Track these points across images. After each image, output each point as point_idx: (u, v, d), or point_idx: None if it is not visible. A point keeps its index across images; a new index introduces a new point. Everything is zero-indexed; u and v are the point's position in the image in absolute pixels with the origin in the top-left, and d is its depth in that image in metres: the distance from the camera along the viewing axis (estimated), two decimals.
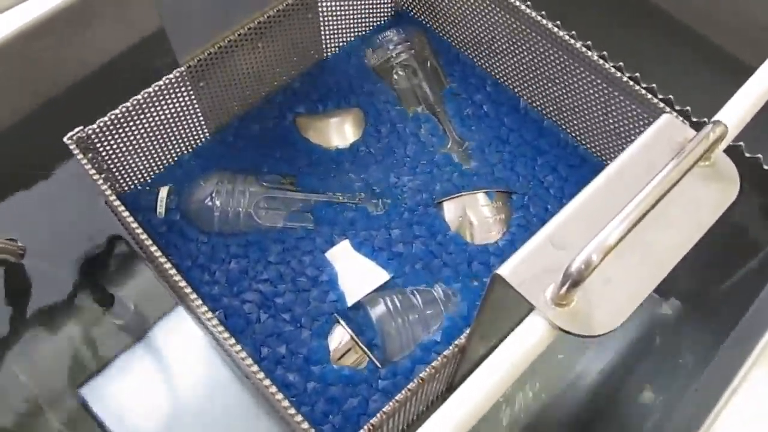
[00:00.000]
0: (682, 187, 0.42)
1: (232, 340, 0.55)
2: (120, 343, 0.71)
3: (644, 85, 0.67)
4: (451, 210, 0.75)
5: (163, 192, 0.73)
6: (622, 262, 0.41)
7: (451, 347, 0.54)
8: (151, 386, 0.69)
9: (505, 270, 0.41)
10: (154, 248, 0.60)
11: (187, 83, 0.71)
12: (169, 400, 0.69)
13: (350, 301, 0.69)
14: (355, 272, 0.71)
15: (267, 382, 0.53)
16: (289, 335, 0.68)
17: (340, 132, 0.80)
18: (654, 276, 0.42)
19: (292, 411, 0.52)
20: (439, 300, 0.68)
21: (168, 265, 0.59)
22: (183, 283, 0.58)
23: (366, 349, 0.65)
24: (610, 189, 0.44)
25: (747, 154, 0.74)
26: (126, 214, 0.62)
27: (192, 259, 0.72)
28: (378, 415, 0.52)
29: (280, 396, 0.53)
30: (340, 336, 0.67)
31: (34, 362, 0.70)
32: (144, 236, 0.61)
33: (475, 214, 0.74)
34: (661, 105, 0.66)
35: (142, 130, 0.71)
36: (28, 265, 0.75)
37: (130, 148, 0.71)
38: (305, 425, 0.52)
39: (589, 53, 0.69)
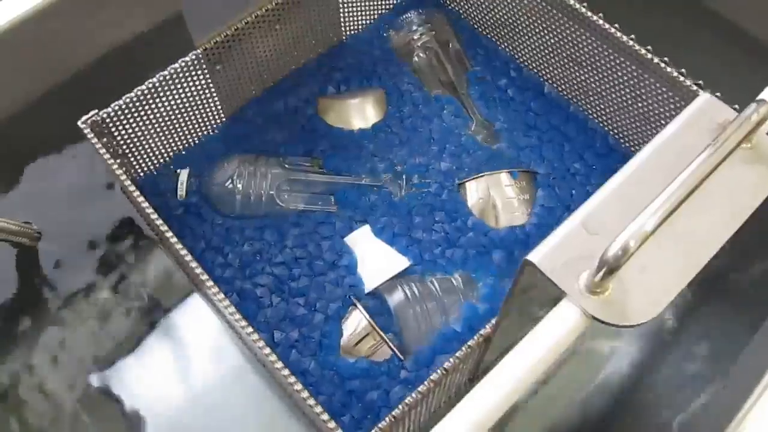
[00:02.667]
0: (723, 171, 0.40)
1: (249, 329, 0.54)
2: (137, 328, 0.71)
3: (673, 68, 0.65)
4: (473, 191, 0.73)
5: (184, 175, 0.72)
6: (659, 249, 0.39)
7: (475, 337, 0.53)
8: (169, 370, 0.69)
9: (536, 256, 0.39)
10: (169, 234, 0.59)
11: (204, 66, 0.70)
12: (186, 384, 0.68)
13: (368, 287, 0.68)
14: (375, 258, 0.70)
15: (286, 371, 0.52)
16: (302, 319, 0.67)
17: (361, 113, 0.78)
18: (693, 264, 0.40)
19: (312, 402, 0.50)
20: (458, 288, 0.67)
21: (184, 252, 0.58)
22: (199, 270, 0.57)
23: (385, 337, 0.63)
24: (646, 171, 0.42)
25: None
26: (141, 199, 0.61)
27: (207, 242, 0.70)
28: (400, 406, 0.50)
29: (299, 386, 0.51)
30: (356, 321, 0.66)
31: (51, 346, 0.69)
32: (159, 221, 0.60)
33: (498, 195, 0.72)
34: (694, 88, 0.64)
35: (158, 114, 0.70)
36: (44, 248, 0.74)
37: (146, 132, 0.70)
38: (325, 416, 0.50)
39: (619, 34, 0.67)
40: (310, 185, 0.73)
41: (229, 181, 0.70)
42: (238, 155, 0.73)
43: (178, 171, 0.73)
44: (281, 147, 0.76)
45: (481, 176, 0.72)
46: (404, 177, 0.74)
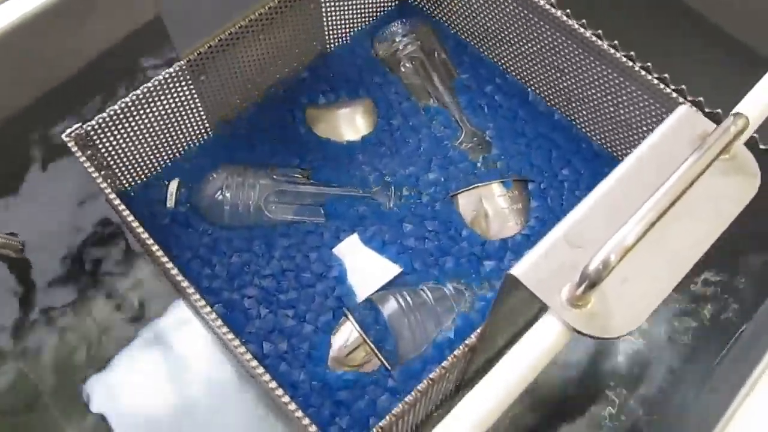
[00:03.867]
0: (702, 182, 0.40)
1: (236, 341, 0.54)
2: (123, 339, 0.71)
3: (656, 75, 0.66)
4: (465, 203, 0.73)
5: (173, 185, 0.72)
6: (640, 261, 0.40)
7: (461, 347, 0.53)
8: (155, 382, 0.69)
9: (518, 270, 0.40)
10: (155, 248, 0.59)
11: (188, 77, 0.70)
12: (172, 396, 0.68)
13: (360, 297, 0.68)
14: (365, 267, 0.70)
15: (273, 384, 0.52)
16: (291, 330, 0.67)
17: (350, 124, 0.78)
18: (673, 275, 0.40)
19: (300, 414, 0.51)
20: (450, 297, 0.67)
21: (169, 265, 0.58)
22: (186, 283, 0.57)
23: (375, 349, 0.63)
24: (626, 184, 0.43)
25: (762, 146, 0.72)
26: (126, 213, 0.60)
27: (194, 253, 0.70)
28: (387, 417, 0.51)
29: (286, 398, 0.51)
30: (347, 333, 0.66)
31: (37, 357, 0.69)
32: (145, 235, 0.59)
33: (491, 206, 0.72)
34: (675, 95, 0.64)
35: (142, 126, 0.70)
36: (30, 259, 0.74)
37: (130, 144, 0.70)
38: (313, 428, 0.50)
39: (600, 42, 0.67)
40: (298, 196, 0.73)
41: (218, 192, 0.70)
42: (226, 166, 0.73)
43: (167, 182, 0.73)
44: (269, 158, 0.76)
45: (474, 188, 0.72)
46: (392, 188, 0.74)
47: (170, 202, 0.72)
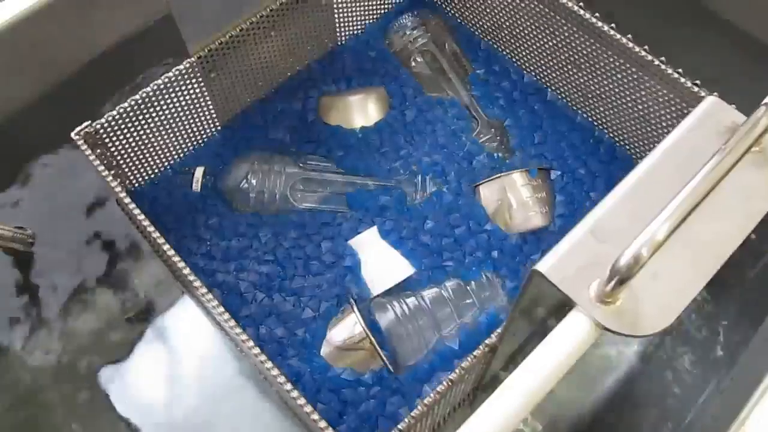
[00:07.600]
0: (732, 175, 0.39)
1: (247, 339, 0.53)
2: (131, 333, 0.70)
3: (673, 69, 0.65)
4: (487, 194, 0.71)
5: (199, 172, 0.72)
6: (670, 256, 0.38)
7: (481, 347, 0.52)
8: (163, 376, 0.68)
9: (544, 266, 0.39)
10: (166, 246, 0.58)
11: (198, 74, 0.69)
12: (181, 389, 0.68)
13: (373, 292, 0.66)
14: (379, 263, 0.68)
15: (280, 378, 0.51)
16: (288, 315, 0.66)
17: (362, 111, 0.77)
18: (704, 271, 0.39)
19: (309, 409, 0.50)
20: (448, 300, 0.65)
21: (181, 264, 0.57)
22: (198, 283, 0.56)
23: (378, 348, 0.61)
24: (654, 177, 0.42)
25: None
26: (137, 211, 0.60)
27: (198, 239, 0.70)
28: (406, 419, 0.49)
29: (297, 397, 0.50)
30: (350, 326, 0.63)
31: (45, 350, 0.69)
32: (156, 234, 0.59)
33: (514, 196, 0.70)
34: (695, 89, 0.63)
35: (152, 124, 0.69)
36: (38, 253, 0.74)
37: (140, 142, 0.69)
38: (323, 424, 0.49)
39: (617, 35, 0.66)
40: (324, 185, 0.72)
41: (243, 179, 0.70)
42: (252, 153, 0.72)
43: (187, 168, 0.73)
44: (281, 148, 0.75)
45: (496, 178, 0.71)
46: (419, 178, 0.73)
47: (196, 187, 0.72)
